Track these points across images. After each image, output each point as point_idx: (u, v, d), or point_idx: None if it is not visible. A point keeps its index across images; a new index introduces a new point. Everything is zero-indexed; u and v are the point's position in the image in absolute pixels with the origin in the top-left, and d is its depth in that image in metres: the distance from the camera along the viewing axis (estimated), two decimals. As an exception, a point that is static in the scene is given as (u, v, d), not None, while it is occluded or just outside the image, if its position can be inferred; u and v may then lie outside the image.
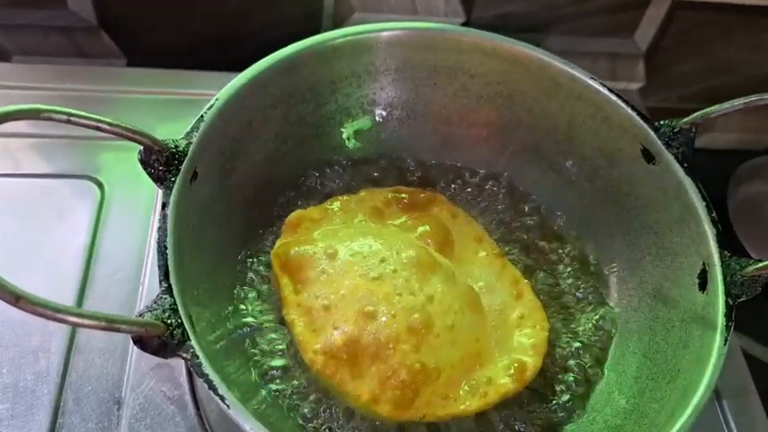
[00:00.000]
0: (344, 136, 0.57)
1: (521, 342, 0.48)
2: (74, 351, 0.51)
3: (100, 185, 0.60)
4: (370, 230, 0.50)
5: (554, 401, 0.48)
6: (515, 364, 0.46)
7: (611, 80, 0.76)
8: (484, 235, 0.54)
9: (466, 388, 0.45)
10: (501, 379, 0.46)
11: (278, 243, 0.50)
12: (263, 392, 0.45)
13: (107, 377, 0.50)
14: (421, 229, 0.51)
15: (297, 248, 0.48)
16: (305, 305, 0.45)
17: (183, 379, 0.50)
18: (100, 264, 0.55)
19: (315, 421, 0.45)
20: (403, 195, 0.54)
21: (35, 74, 0.68)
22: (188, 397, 0.50)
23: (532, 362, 0.47)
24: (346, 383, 0.43)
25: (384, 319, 0.44)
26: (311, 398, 0.45)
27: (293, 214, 0.51)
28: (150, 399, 0.49)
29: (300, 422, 0.44)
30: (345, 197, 0.54)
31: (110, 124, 0.38)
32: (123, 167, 0.61)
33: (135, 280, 0.55)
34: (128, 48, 0.74)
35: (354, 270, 0.46)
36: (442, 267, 0.47)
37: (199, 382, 0.49)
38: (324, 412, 0.45)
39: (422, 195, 0.55)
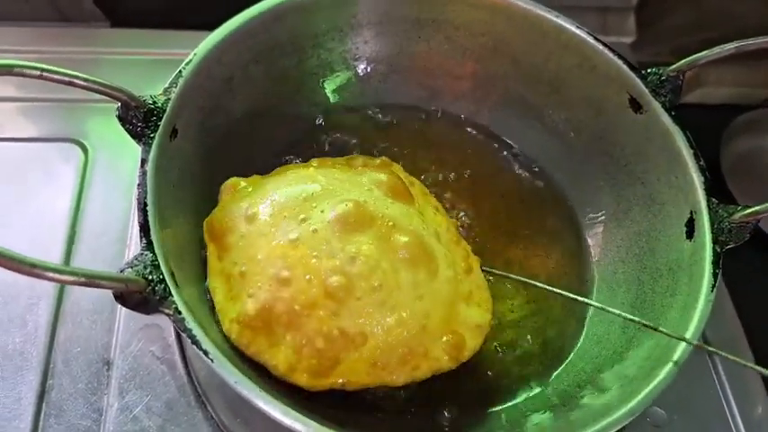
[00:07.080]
0: (327, 92, 0.56)
1: (467, 317, 0.44)
2: (61, 313, 0.51)
3: (84, 148, 0.60)
4: (300, 180, 0.45)
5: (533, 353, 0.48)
6: (456, 341, 0.43)
7: (602, 34, 0.74)
8: (439, 206, 0.51)
9: (395, 358, 0.41)
10: (437, 352, 0.42)
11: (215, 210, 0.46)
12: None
13: (96, 338, 0.50)
14: (373, 175, 0.47)
15: (222, 213, 0.44)
16: (225, 272, 0.42)
17: (172, 339, 0.50)
18: (85, 226, 0.55)
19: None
20: (358, 161, 0.50)
21: (16, 36, 0.67)
22: (177, 356, 0.50)
23: (473, 343, 0.43)
24: (263, 353, 0.40)
25: (298, 284, 0.40)
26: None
27: (230, 180, 0.47)
28: (139, 359, 0.49)
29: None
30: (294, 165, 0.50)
31: (84, 80, 0.38)
32: (107, 130, 0.61)
33: (121, 241, 0.54)
34: (110, 12, 0.72)
35: (272, 232, 0.42)
36: (375, 222, 0.43)
37: (187, 341, 0.50)
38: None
39: (378, 162, 0.50)
